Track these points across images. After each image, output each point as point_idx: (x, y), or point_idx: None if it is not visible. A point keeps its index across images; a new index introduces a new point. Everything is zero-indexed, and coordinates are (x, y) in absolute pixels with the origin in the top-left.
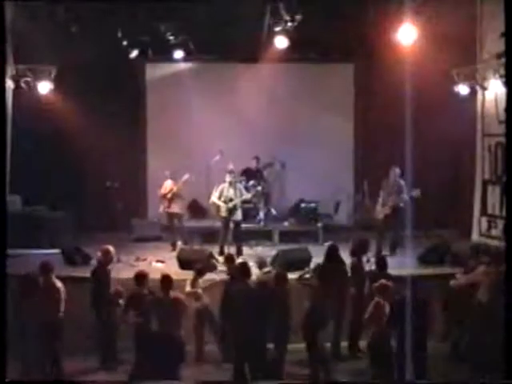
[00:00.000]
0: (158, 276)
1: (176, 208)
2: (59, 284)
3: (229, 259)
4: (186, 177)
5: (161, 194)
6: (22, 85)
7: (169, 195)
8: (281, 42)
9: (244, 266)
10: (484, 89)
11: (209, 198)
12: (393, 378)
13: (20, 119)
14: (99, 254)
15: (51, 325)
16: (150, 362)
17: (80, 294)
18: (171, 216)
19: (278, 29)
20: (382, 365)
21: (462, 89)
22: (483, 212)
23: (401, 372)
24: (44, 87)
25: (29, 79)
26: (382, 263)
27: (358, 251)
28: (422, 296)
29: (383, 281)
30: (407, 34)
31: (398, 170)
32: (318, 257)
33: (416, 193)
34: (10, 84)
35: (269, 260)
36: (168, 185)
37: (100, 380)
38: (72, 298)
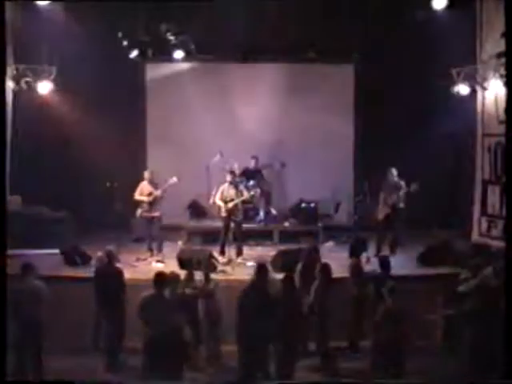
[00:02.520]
0: None
1: (156, 212)
2: (41, 285)
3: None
4: (172, 181)
5: (139, 198)
6: (23, 85)
7: (150, 199)
8: (279, 41)
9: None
10: (484, 89)
11: (209, 198)
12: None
13: (20, 119)
14: (102, 254)
15: (32, 325)
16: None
17: (80, 294)
18: (152, 220)
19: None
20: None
21: (462, 89)
22: (483, 212)
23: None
24: (44, 87)
25: (29, 79)
26: (385, 264)
27: (356, 251)
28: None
29: (391, 282)
30: (407, 34)
31: (394, 170)
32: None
33: (414, 187)
34: (10, 84)
35: (269, 260)
36: (146, 188)
37: (103, 380)
38: (72, 297)
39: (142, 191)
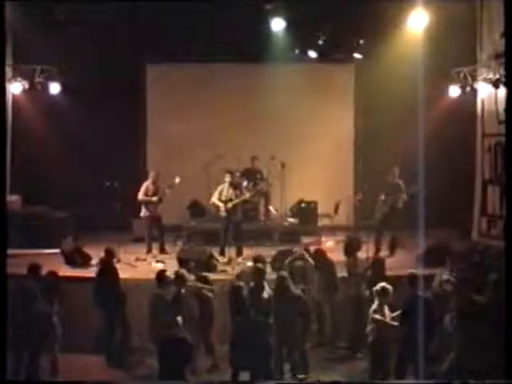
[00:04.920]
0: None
1: (158, 212)
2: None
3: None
4: (176, 181)
5: (144, 198)
6: (23, 85)
7: (154, 199)
8: (281, 41)
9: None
10: (483, 89)
11: (209, 198)
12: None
13: (20, 119)
14: (103, 254)
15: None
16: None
17: (80, 294)
18: (157, 220)
19: (277, 28)
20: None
21: (462, 88)
22: (483, 212)
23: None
24: (44, 87)
25: (29, 79)
26: (377, 266)
27: (350, 250)
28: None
29: (383, 284)
30: (408, 34)
31: (396, 170)
32: None
33: (415, 189)
34: (10, 84)
35: (269, 260)
36: (151, 188)
37: (103, 379)
38: (72, 297)
39: (147, 192)
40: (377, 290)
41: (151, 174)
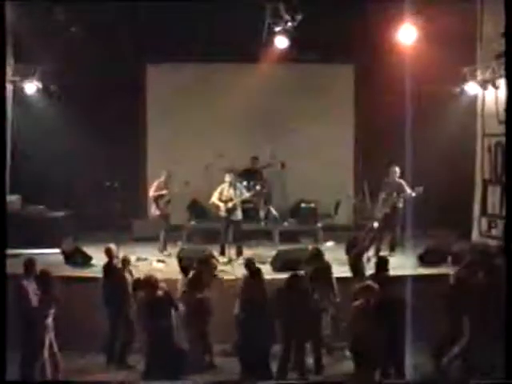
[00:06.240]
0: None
1: (167, 211)
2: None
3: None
4: (186, 181)
5: (155, 195)
6: (23, 85)
7: (166, 197)
8: (281, 42)
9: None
10: (484, 88)
11: (209, 198)
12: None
13: (20, 119)
14: (103, 253)
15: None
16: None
17: (80, 294)
18: (165, 218)
19: (278, 29)
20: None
21: (462, 88)
22: (483, 212)
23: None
24: (44, 87)
25: (29, 79)
26: (381, 264)
27: (351, 250)
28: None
29: (368, 282)
30: (407, 34)
31: (397, 169)
32: None
33: (418, 190)
34: (10, 84)
35: (269, 260)
36: (162, 187)
37: (103, 379)
38: (72, 297)
39: (160, 189)
40: (362, 287)
41: (163, 173)
